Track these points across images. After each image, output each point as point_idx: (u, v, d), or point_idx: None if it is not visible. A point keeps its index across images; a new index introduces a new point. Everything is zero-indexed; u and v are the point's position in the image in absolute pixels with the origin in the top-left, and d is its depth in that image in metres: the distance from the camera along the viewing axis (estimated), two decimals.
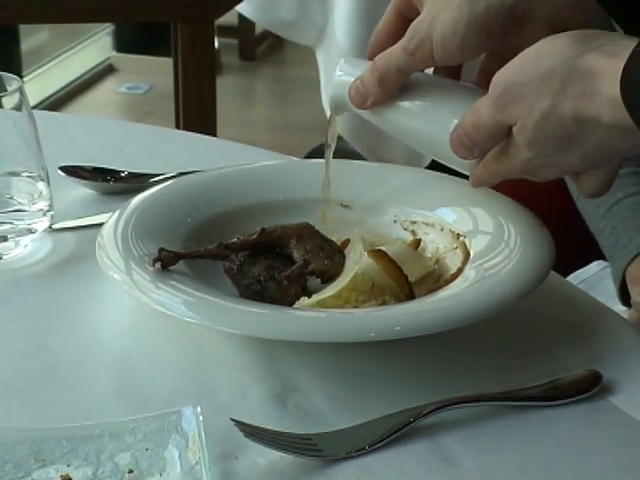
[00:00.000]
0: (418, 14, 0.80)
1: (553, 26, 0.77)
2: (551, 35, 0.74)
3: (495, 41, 0.79)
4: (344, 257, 0.85)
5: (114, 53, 3.93)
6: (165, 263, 0.80)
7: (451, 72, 0.84)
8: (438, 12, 0.78)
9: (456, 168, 0.82)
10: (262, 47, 4.06)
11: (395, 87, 0.81)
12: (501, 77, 0.74)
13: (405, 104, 0.82)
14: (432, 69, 0.85)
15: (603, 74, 0.68)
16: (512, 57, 0.80)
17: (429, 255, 0.88)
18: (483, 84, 0.81)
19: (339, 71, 0.84)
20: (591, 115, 0.69)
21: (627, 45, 0.68)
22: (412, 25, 0.80)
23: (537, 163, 0.75)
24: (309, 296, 0.81)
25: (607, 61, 0.68)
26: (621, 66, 0.66)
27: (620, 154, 0.74)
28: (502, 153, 0.76)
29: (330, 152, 0.89)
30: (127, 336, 0.82)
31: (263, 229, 0.86)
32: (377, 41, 0.84)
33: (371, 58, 0.83)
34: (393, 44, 0.81)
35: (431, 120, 0.81)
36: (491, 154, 0.77)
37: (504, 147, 0.76)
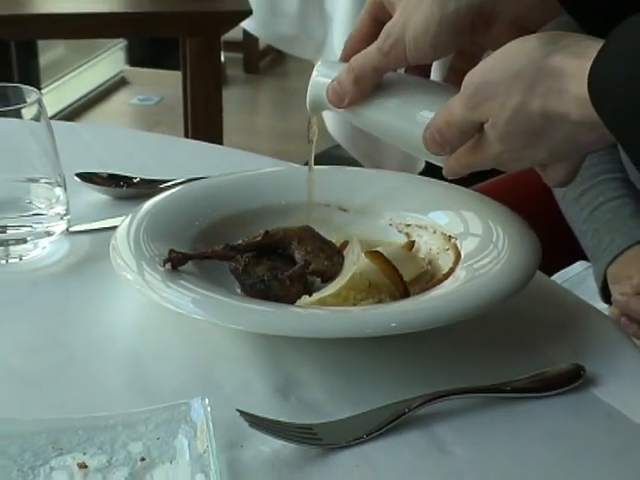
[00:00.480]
0: (390, 17, 0.80)
1: (518, 26, 0.78)
2: (516, 33, 0.75)
3: (464, 39, 0.79)
4: (343, 258, 0.85)
5: (126, 67, 3.93)
6: (175, 264, 0.80)
7: (422, 70, 0.84)
8: (410, 13, 0.77)
9: (429, 160, 0.82)
10: (265, 61, 4.07)
11: (370, 86, 0.81)
12: (473, 77, 0.74)
13: (380, 102, 0.81)
14: (403, 69, 0.84)
15: (570, 73, 0.68)
16: (480, 54, 0.80)
17: (422, 256, 0.88)
18: (452, 81, 0.81)
19: (316, 72, 0.84)
20: (559, 112, 0.69)
21: (591, 45, 0.68)
22: (386, 27, 0.79)
23: (507, 156, 0.75)
24: (310, 295, 0.81)
25: (573, 61, 0.68)
26: (588, 66, 0.66)
27: (586, 147, 0.74)
28: (474, 147, 0.76)
29: (312, 149, 0.89)
30: (138, 333, 0.82)
31: (266, 231, 0.86)
32: (351, 44, 0.84)
33: (346, 60, 0.83)
34: (366, 45, 0.81)
35: (405, 116, 0.81)
36: (463, 148, 0.77)
37: (476, 142, 0.75)
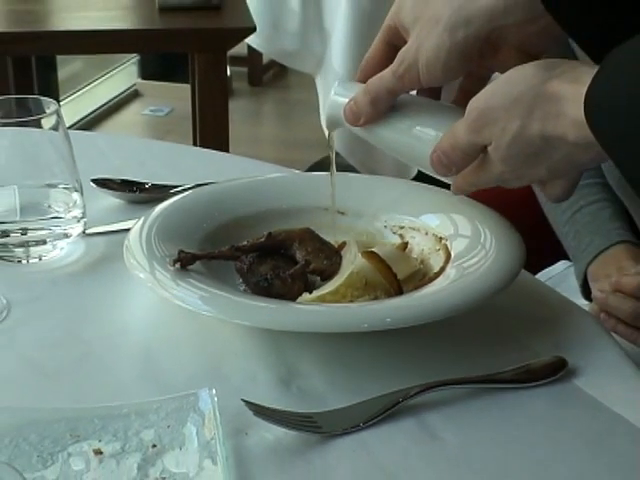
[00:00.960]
0: (404, 42, 0.80)
1: (522, 50, 0.77)
2: (521, 57, 0.75)
3: (473, 64, 0.79)
4: (341, 258, 0.85)
5: (139, 80, 3.93)
6: (184, 263, 0.80)
7: (432, 92, 0.84)
8: (423, 40, 0.77)
9: (437, 177, 0.81)
10: (268, 74, 4.06)
11: (385, 107, 0.81)
12: (476, 103, 0.74)
13: (393, 122, 0.81)
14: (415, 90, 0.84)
15: (567, 98, 0.68)
16: (487, 77, 0.80)
17: (415, 256, 0.88)
18: (461, 101, 0.81)
19: (334, 93, 0.84)
20: (557, 134, 0.69)
21: (586, 71, 0.68)
22: (400, 52, 0.79)
23: (509, 176, 0.75)
24: (310, 292, 0.81)
25: (569, 86, 0.68)
26: (583, 91, 0.66)
27: (582, 166, 0.74)
28: (479, 167, 0.76)
29: (333, 164, 0.89)
30: (150, 328, 0.82)
31: (269, 233, 0.85)
32: (367, 66, 0.84)
33: (360, 80, 0.83)
34: (381, 68, 0.81)
35: (416, 137, 0.81)
36: (469, 168, 0.77)
37: (480, 162, 0.76)
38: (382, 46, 0.83)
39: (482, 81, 0.82)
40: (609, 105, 0.65)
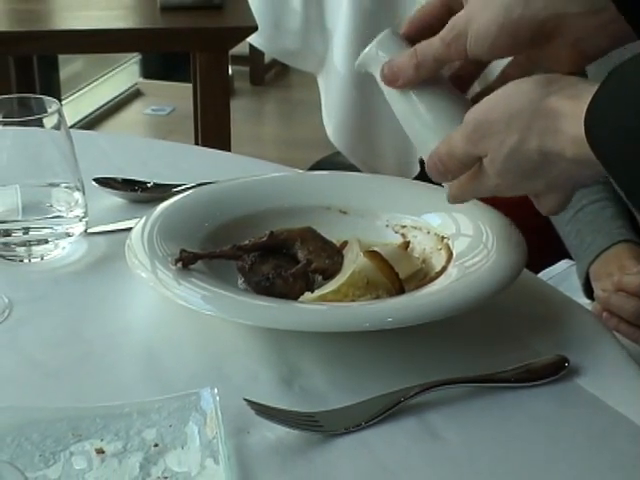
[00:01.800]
0: (460, 6, 0.78)
1: (578, 49, 0.75)
2: (574, 55, 0.74)
3: (522, 48, 0.76)
4: (342, 257, 0.85)
5: (141, 79, 3.93)
6: (186, 263, 0.80)
7: (475, 68, 0.82)
8: (477, 11, 0.75)
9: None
10: (270, 74, 4.06)
11: (427, 74, 0.78)
12: (474, 114, 0.73)
13: (418, 101, 0.79)
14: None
15: (565, 114, 0.67)
16: (533, 70, 0.77)
17: (417, 255, 0.88)
18: (497, 85, 0.77)
19: (376, 43, 0.81)
20: (555, 150, 0.69)
21: (586, 88, 0.67)
22: (452, 19, 0.77)
23: (504, 188, 0.75)
24: (312, 291, 0.81)
25: (568, 102, 0.68)
26: (583, 107, 0.65)
27: (580, 181, 0.73)
28: (474, 178, 0.75)
29: None
30: (152, 327, 0.82)
31: (271, 232, 0.86)
32: (415, 20, 0.81)
33: (405, 32, 0.81)
34: (428, 26, 0.79)
35: (425, 126, 0.79)
36: (464, 177, 0.76)
37: (475, 173, 0.75)
38: (438, 4, 0.81)
39: (528, 73, 0.77)
40: (610, 123, 0.64)
